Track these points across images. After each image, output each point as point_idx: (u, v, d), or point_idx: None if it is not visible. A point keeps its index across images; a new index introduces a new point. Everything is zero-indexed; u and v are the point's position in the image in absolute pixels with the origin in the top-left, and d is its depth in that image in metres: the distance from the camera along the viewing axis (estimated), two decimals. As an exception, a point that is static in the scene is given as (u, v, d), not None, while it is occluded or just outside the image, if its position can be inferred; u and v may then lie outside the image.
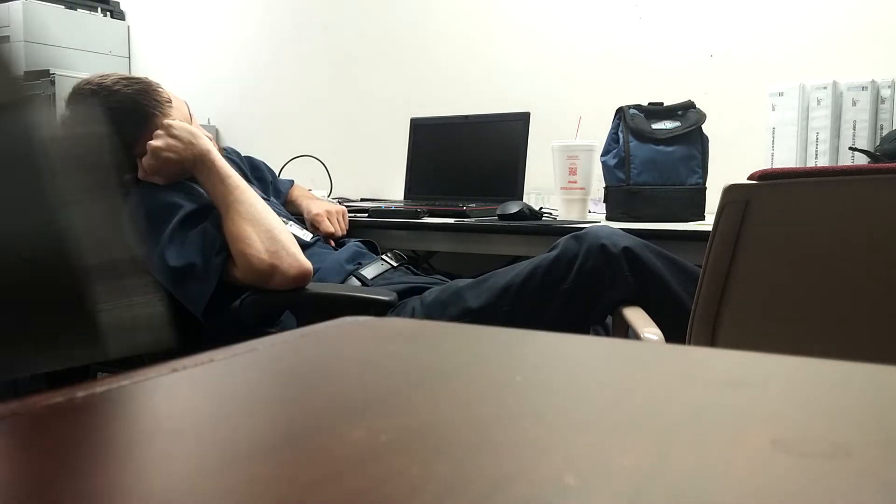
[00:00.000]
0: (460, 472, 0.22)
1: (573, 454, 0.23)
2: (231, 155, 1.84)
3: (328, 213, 1.81)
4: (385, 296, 1.41)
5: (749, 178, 0.91)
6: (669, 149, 1.69)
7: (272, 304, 1.47)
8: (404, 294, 1.50)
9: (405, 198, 2.20)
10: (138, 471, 0.22)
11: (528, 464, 0.22)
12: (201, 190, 1.52)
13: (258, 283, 1.42)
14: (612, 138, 1.74)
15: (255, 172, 1.91)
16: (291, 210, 1.86)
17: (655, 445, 0.24)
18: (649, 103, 1.75)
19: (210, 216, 1.47)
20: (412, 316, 1.43)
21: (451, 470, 0.22)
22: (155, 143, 1.49)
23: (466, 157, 2.15)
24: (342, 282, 1.57)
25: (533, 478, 0.21)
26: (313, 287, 1.45)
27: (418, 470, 0.22)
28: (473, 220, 1.71)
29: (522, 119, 2.01)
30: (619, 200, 1.71)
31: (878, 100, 1.67)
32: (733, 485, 0.21)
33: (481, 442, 0.24)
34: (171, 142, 1.49)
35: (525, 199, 1.91)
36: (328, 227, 1.77)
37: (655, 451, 0.23)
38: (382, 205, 2.02)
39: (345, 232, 1.81)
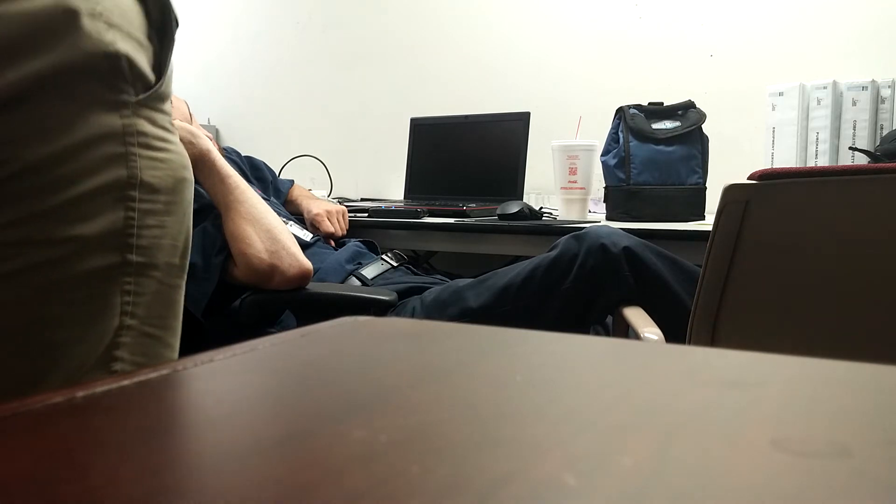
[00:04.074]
0: (460, 472, 0.22)
1: (573, 454, 0.23)
2: (231, 155, 1.84)
3: (328, 212, 1.81)
4: (385, 296, 1.41)
5: (749, 178, 0.91)
6: (669, 149, 1.69)
7: (272, 304, 1.47)
8: (404, 294, 1.50)
9: (405, 198, 2.20)
10: (138, 471, 0.22)
11: (528, 463, 0.22)
12: (201, 190, 1.52)
13: (258, 283, 1.42)
14: (612, 138, 1.74)
15: (255, 172, 1.91)
16: (291, 210, 1.86)
17: (655, 445, 0.24)
18: (649, 103, 1.75)
19: (210, 216, 1.47)
20: (412, 315, 1.43)
21: (451, 470, 0.22)
22: (155, 142, 1.49)
23: (466, 157, 2.15)
24: (342, 282, 1.57)
25: (533, 478, 0.21)
26: (313, 287, 1.45)
27: (418, 470, 0.22)
28: (473, 220, 1.71)
29: (522, 119, 2.01)
30: (619, 200, 1.71)
31: (878, 100, 1.67)
32: (733, 485, 0.21)
33: (481, 441, 0.24)
34: (171, 142, 1.49)
35: (525, 199, 1.91)
36: (328, 227, 1.77)
37: (655, 451, 0.23)
38: (382, 205, 2.02)
39: (345, 232, 1.81)
